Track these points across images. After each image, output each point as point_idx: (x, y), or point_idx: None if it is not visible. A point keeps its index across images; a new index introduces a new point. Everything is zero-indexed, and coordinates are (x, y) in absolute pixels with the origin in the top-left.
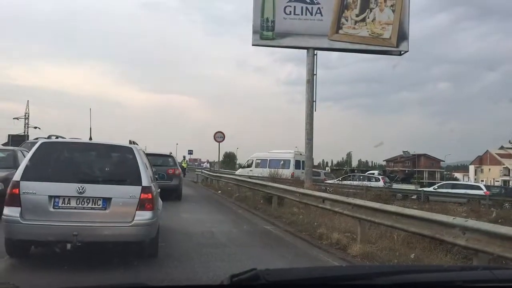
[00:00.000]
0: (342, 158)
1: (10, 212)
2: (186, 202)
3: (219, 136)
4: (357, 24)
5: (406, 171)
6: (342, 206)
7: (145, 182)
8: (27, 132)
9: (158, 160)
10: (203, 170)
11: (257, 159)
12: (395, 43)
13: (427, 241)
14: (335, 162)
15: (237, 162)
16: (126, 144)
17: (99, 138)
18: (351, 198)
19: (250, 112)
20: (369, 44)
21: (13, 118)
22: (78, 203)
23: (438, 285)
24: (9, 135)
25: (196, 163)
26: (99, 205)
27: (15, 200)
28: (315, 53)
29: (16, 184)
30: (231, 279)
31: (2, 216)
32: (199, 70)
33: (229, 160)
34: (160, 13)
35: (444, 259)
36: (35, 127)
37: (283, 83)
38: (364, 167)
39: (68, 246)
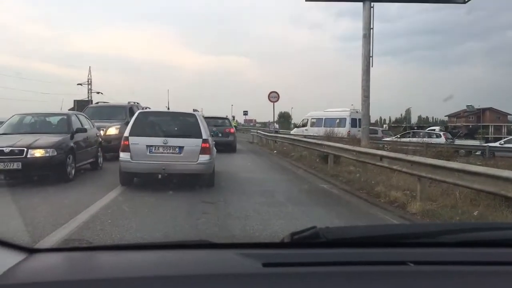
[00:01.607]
0: (401, 115)
1: (124, 156)
2: (243, 163)
3: (274, 96)
4: None
5: (470, 126)
6: (400, 164)
7: (204, 136)
8: (91, 97)
9: (218, 122)
10: (258, 131)
11: (312, 118)
12: None
13: (491, 198)
14: (393, 119)
15: (292, 122)
16: (191, 111)
17: (163, 102)
18: (410, 155)
19: (305, 70)
20: None
21: (77, 84)
22: (163, 150)
23: (504, 243)
24: (74, 101)
25: (251, 124)
26: (176, 151)
27: (126, 148)
28: (372, 5)
29: (126, 138)
30: (291, 236)
31: (119, 158)
32: (253, 30)
33: (284, 119)
34: None
35: (509, 217)
36: (98, 92)
37: (339, 39)
38: (424, 123)
39: (159, 176)
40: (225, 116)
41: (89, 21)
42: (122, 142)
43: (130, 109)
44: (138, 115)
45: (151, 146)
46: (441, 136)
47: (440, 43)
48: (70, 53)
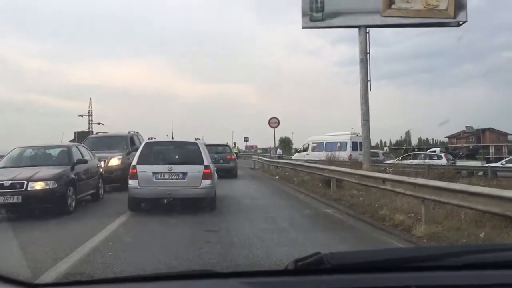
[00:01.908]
0: (401, 137)
1: (132, 183)
2: (245, 189)
3: (274, 122)
4: None
5: (471, 147)
6: (404, 187)
7: (205, 162)
8: (91, 128)
9: (218, 149)
10: (259, 157)
11: (313, 143)
12: (453, 13)
13: (497, 219)
14: (393, 141)
15: (293, 147)
16: (193, 140)
17: (166, 132)
18: (412, 177)
19: (304, 95)
20: (424, 17)
21: (78, 116)
22: (168, 176)
23: (509, 265)
24: (75, 132)
25: (252, 150)
26: (180, 177)
27: (134, 176)
28: (367, 31)
29: (134, 167)
30: (295, 263)
31: (128, 185)
32: (252, 58)
33: (285, 145)
34: (211, 5)
35: None
36: (99, 123)
37: (336, 64)
38: (424, 145)
39: (165, 200)
40: (225, 143)
41: (89, 54)
42: (130, 170)
43: (131, 139)
44: (144, 145)
45: (157, 173)
46: (442, 158)
47: (435, 66)
48: (70, 85)
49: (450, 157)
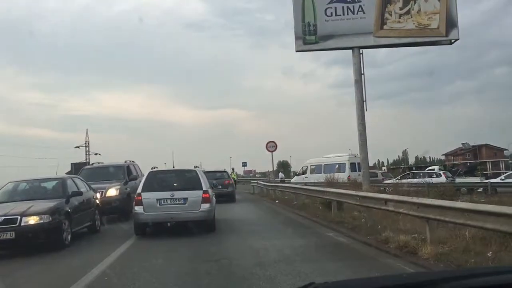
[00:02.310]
0: (398, 157)
1: (138, 209)
2: (245, 215)
3: (271, 146)
4: (401, 17)
5: (468, 164)
6: (407, 207)
7: (204, 187)
8: (88, 159)
9: (216, 175)
10: (258, 181)
11: (311, 165)
12: (444, 32)
13: (502, 236)
14: (391, 161)
15: (292, 170)
16: (192, 168)
17: (164, 160)
18: (415, 197)
19: (300, 118)
20: (416, 37)
21: (75, 147)
22: (171, 202)
23: None
24: (71, 164)
25: (250, 174)
26: (182, 202)
27: (139, 202)
28: (361, 52)
29: (139, 194)
30: None
31: (133, 211)
32: (247, 83)
33: (283, 168)
34: (204, 32)
35: None
36: (96, 154)
37: (331, 87)
38: (422, 163)
39: (168, 224)
40: (223, 170)
41: (84, 86)
42: (135, 197)
43: (127, 168)
44: (148, 174)
45: (160, 199)
46: (441, 175)
47: (429, 84)
48: (66, 117)
49: (449, 174)
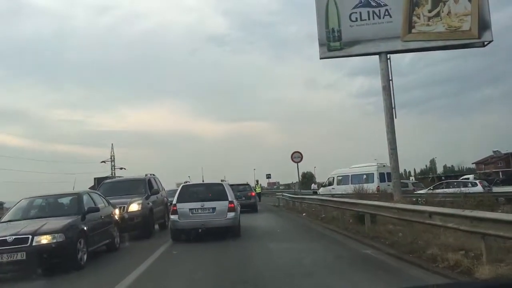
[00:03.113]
0: (426, 166)
1: (174, 217)
2: (271, 230)
3: (297, 157)
4: (431, 20)
5: (509, 172)
6: (457, 221)
7: (229, 198)
8: (114, 173)
9: (240, 188)
10: (283, 193)
11: (338, 176)
12: (477, 34)
13: None
14: (418, 170)
15: (316, 181)
16: (219, 181)
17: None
18: (467, 210)
19: (325, 129)
20: (447, 40)
21: (101, 162)
22: (201, 211)
23: None
24: (95, 179)
25: (274, 186)
26: (211, 211)
27: (175, 212)
28: (388, 57)
29: (175, 205)
30: None
31: (170, 219)
32: (270, 95)
33: (307, 180)
34: (226, 45)
35: None
36: (121, 168)
37: (354, 96)
38: (451, 172)
39: (200, 230)
40: (246, 183)
41: (110, 102)
42: (172, 208)
43: (149, 182)
44: (182, 187)
45: (192, 209)
46: (477, 185)
47: (455, 91)
48: (92, 132)
49: (486, 183)
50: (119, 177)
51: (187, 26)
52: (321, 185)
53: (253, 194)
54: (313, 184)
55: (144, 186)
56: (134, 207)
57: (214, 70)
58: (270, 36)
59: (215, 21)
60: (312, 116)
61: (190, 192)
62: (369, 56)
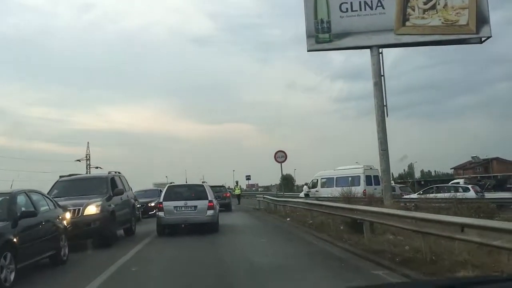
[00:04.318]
0: (404, 170)
1: (160, 213)
2: (254, 239)
3: (280, 156)
4: (426, 13)
5: (499, 177)
6: (506, 238)
7: (209, 198)
8: (89, 172)
9: (217, 189)
10: (264, 196)
11: (322, 178)
12: (475, 29)
13: None
14: (396, 175)
15: (295, 184)
16: (200, 183)
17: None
18: None
19: (304, 132)
20: (443, 34)
21: (75, 160)
22: (185, 209)
23: None
24: (60, 177)
25: (253, 188)
26: (193, 209)
27: (161, 209)
28: (381, 51)
29: (161, 203)
30: None
31: (157, 215)
32: (252, 97)
33: (287, 182)
34: (210, 47)
35: None
36: (97, 167)
37: (334, 101)
38: (428, 177)
39: (182, 225)
40: (221, 185)
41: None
42: (158, 205)
43: (111, 181)
44: (168, 187)
45: (177, 206)
46: (469, 190)
47: (435, 98)
48: (71, 131)
49: (478, 189)
50: (78, 174)
51: (170, 26)
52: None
53: (228, 195)
54: (305, 186)
55: (106, 185)
56: (92, 209)
57: (196, 71)
58: (254, 38)
59: (200, 22)
60: (293, 119)
61: (175, 191)
62: (350, 60)
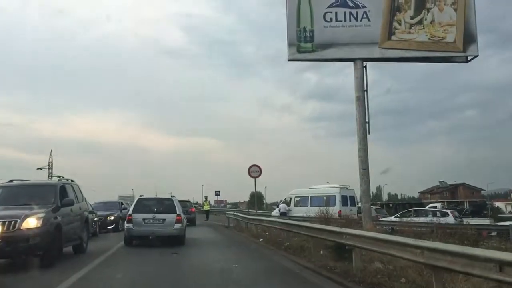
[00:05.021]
0: (372, 192)
1: (129, 225)
2: (224, 264)
3: (255, 171)
4: (412, 27)
5: (477, 202)
6: None
7: (177, 211)
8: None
9: (183, 203)
10: (235, 212)
11: (296, 196)
12: (461, 47)
13: None
14: None
15: (265, 202)
16: (169, 197)
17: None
18: None
19: (276, 150)
20: (429, 50)
21: (37, 169)
22: (153, 221)
23: None
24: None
25: (222, 205)
26: (161, 221)
27: (130, 221)
28: (364, 65)
29: (130, 215)
30: None
31: (125, 227)
32: (223, 113)
33: (257, 199)
34: (181, 60)
35: None
36: (59, 177)
37: (306, 120)
38: (394, 200)
39: (150, 237)
40: (187, 200)
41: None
42: (127, 217)
43: (61, 189)
44: (137, 200)
45: (146, 219)
46: (448, 215)
47: (402, 123)
48: (33, 138)
49: (457, 214)
50: (23, 180)
51: (142, 36)
52: (273, 205)
53: (193, 210)
54: (282, 204)
55: (54, 194)
56: (31, 222)
57: (167, 83)
58: (228, 54)
59: (173, 35)
60: (264, 136)
61: (144, 204)
62: (324, 82)
